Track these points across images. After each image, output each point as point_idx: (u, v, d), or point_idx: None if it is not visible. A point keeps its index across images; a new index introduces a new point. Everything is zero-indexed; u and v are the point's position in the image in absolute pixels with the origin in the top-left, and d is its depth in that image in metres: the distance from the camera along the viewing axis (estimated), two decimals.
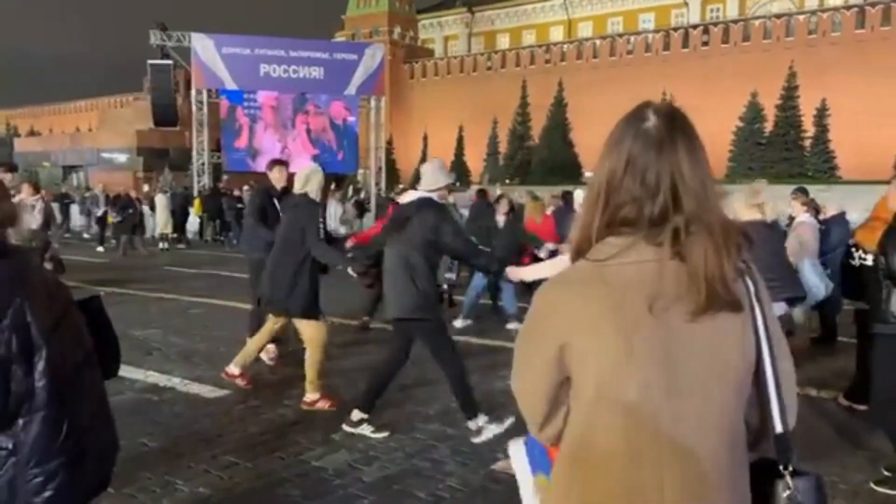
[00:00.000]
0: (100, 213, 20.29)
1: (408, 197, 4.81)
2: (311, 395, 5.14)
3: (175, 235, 21.10)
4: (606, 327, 1.16)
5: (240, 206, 20.50)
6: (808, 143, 39.22)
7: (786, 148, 39.25)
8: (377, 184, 30.75)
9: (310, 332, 5.17)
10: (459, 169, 49.40)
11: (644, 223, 1.19)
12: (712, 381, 1.15)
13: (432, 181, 4.58)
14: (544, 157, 45.06)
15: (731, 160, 40.94)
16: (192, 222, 23.79)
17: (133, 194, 19.07)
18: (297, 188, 5.29)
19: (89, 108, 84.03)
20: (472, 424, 4.52)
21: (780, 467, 1.19)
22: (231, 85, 27.39)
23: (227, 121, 27.86)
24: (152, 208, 21.02)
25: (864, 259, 4.87)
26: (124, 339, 6.58)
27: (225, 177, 27.79)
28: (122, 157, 46.17)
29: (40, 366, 1.60)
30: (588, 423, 1.19)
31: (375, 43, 35.62)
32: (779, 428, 1.20)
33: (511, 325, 8.01)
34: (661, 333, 1.14)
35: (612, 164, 1.24)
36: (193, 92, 28.55)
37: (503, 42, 62.63)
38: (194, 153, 29.26)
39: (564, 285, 1.25)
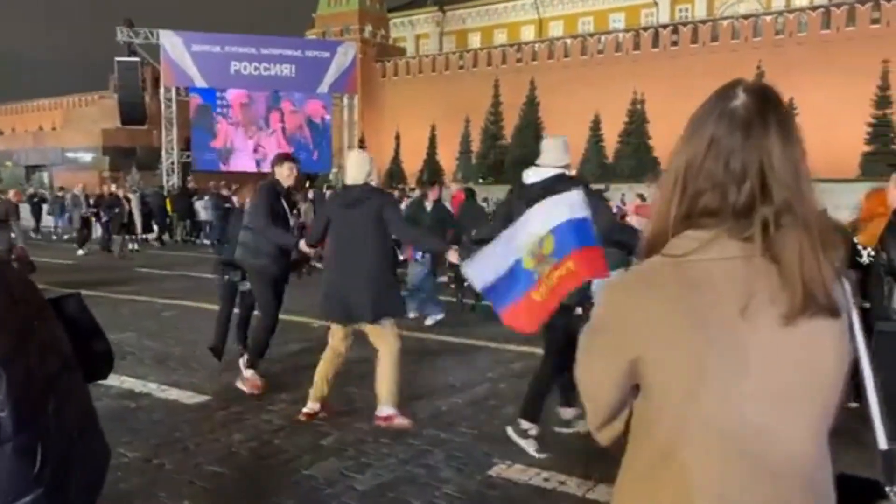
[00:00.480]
0: (83, 213, 19.42)
1: (534, 175, 4.29)
2: (387, 409, 4.60)
3: (157, 236, 20.81)
4: (688, 334, 1.01)
5: (227, 206, 20.03)
6: None
7: None
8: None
9: (392, 337, 4.63)
10: (432, 168, 49.28)
11: (728, 214, 1.05)
12: (806, 392, 1.02)
13: (561, 157, 4.26)
14: (517, 155, 45.04)
15: None
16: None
17: (121, 193, 18.56)
18: (356, 177, 4.65)
19: (53, 106, 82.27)
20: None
21: (886, 488, 1.06)
22: (201, 83, 26.95)
23: (198, 119, 27.42)
24: None
25: (875, 257, 4.82)
26: None
27: (189, 177, 27.35)
28: (87, 157, 45.33)
29: (1, 393, 1.37)
30: (671, 436, 1.04)
31: (347, 41, 35.35)
32: (883, 444, 1.07)
33: None
34: (751, 340, 1.00)
35: (693, 147, 1.09)
36: (162, 90, 28.06)
37: (474, 41, 62.59)
38: (163, 152, 28.76)
39: (636, 286, 1.09)
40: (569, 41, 52.31)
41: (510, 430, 4.24)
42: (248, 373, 5.50)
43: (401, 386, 4.70)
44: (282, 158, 5.85)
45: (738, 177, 1.04)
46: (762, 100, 1.08)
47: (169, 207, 22.83)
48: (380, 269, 4.57)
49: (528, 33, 60.49)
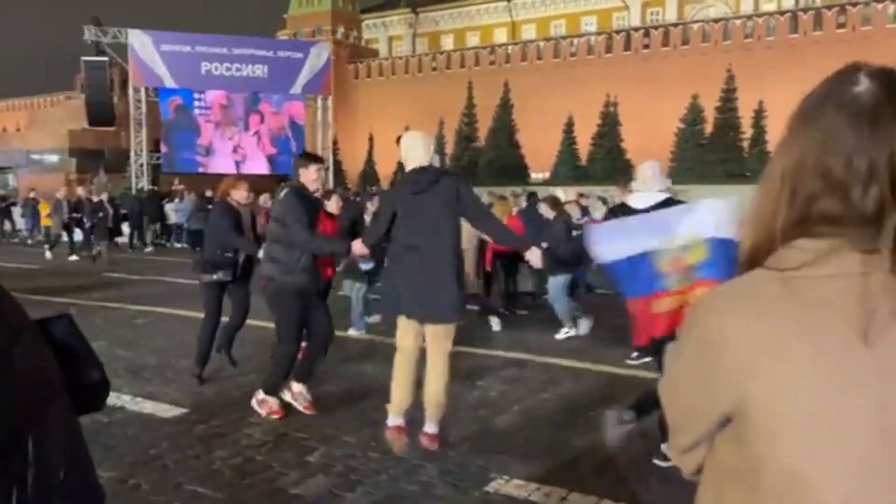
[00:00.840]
0: (65, 218, 18.42)
1: (641, 200, 4.22)
2: (435, 427, 4.20)
3: (138, 241, 20.40)
4: (801, 363, 0.85)
5: (210, 207, 19.61)
6: (746, 144, 40.22)
7: (725, 149, 40.16)
8: (325, 184, 30.17)
9: (450, 341, 4.16)
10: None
11: (851, 221, 0.88)
12: None
13: (662, 179, 4.34)
14: (491, 157, 45.08)
15: (672, 161, 41.69)
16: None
17: (105, 197, 18.11)
18: (422, 158, 4.15)
19: (17, 107, 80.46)
20: None
21: None
22: (171, 83, 26.47)
23: (176, 120, 26.93)
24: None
25: None
26: None
27: (176, 180, 26.85)
28: (53, 158, 44.37)
29: None
30: (777, 484, 0.87)
31: (321, 42, 35.02)
32: None
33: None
34: (874, 370, 0.84)
35: (805, 141, 0.91)
36: (131, 90, 27.50)
37: (447, 43, 62.51)
38: (132, 154, 28.19)
39: (737, 305, 0.91)
40: (542, 44, 52.46)
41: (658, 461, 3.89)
42: (271, 400, 4.92)
43: None
44: (308, 159, 5.10)
45: (863, 177, 0.87)
46: (890, 85, 0.91)
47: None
48: (457, 261, 4.11)
49: (500, 36, 60.57)
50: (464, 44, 60.20)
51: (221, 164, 27.43)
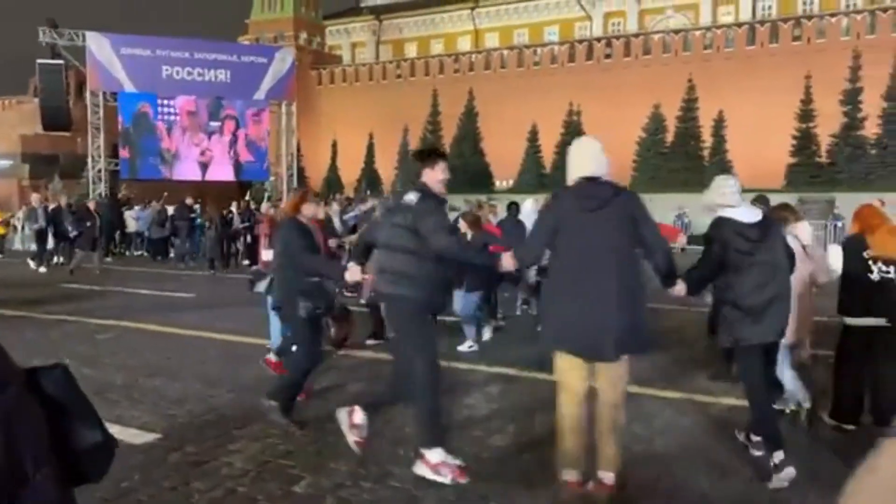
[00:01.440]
0: (37, 227, 17.40)
1: (747, 213, 4.05)
2: (611, 474, 3.61)
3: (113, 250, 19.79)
4: None
5: (192, 215, 19.13)
6: (706, 153, 40.83)
7: (686, 158, 40.72)
8: (290, 191, 29.70)
9: (624, 382, 3.68)
10: (371, 177, 48.68)
11: None
12: None
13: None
14: (456, 165, 44.77)
15: (634, 170, 42.15)
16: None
17: (91, 206, 17.02)
18: (595, 169, 3.64)
19: None
20: None
21: None
22: (130, 87, 25.77)
23: (136, 125, 26.21)
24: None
25: (887, 272, 4.69)
26: None
27: (123, 186, 26.14)
28: (4, 164, 43.06)
29: None
30: None
31: (285, 47, 34.52)
32: None
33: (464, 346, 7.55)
34: None
35: None
36: (88, 94, 26.70)
37: (411, 50, 62.38)
38: (89, 159, 27.35)
39: None
40: (505, 52, 52.65)
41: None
42: (445, 458, 4.02)
43: None
44: (434, 156, 4.25)
45: None
46: None
47: None
48: (633, 290, 3.52)
49: (464, 44, 60.66)
50: (428, 51, 60.13)
51: (185, 170, 26.79)
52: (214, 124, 26.80)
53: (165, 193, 22.04)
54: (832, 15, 44.05)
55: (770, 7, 51.46)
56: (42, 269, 16.18)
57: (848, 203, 28.50)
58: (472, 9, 61.21)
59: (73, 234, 16.14)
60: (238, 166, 27.26)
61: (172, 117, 26.35)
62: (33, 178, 40.81)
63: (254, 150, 27.39)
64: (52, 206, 17.73)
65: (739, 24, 46.89)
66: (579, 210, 3.53)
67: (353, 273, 4.48)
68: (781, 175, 38.43)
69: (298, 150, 36.46)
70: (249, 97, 27.27)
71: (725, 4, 52.91)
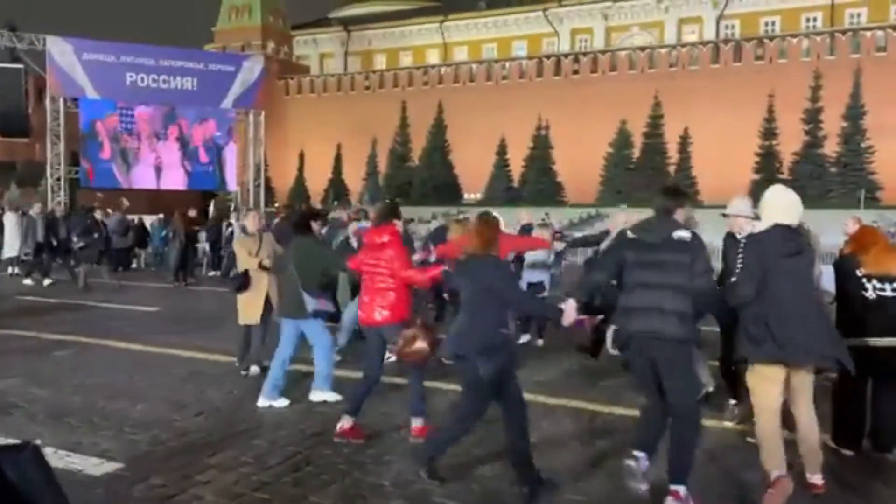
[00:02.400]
0: (40, 239, 15.67)
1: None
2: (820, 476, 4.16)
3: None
4: None
5: (196, 227, 17.84)
6: (672, 168, 41.32)
7: (652, 173, 41.14)
8: (255, 202, 29.23)
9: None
10: (338, 188, 48.28)
11: None
12: None
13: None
14: (425, 177, 44.89)
15: (601, 185, 42.48)
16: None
17: (98, 216, 15.70)
18: (793, 218, 4.05)
19: None
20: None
21: None
22: (92, 94, 25.12)
23: (95, 132, 25.53)
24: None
25: (883, 290, 4.59)
26: None
27: (99, 195, 25.39)
28: None
29: None
30: None
31: (253, 55, 34.06)
32: None
33: None
34: None
35: None
36: (48, 100, 25.94)
37: (380, 62, 62.21)
38: (48, 167, 26.55)
39: None
40: (474, 66, 52.81)
41: None
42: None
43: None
44: (682, 196, 4.28)
45: None
46: None
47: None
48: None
49: (433, 56, 60.69)
50: (396, 63, 60.03)
51: (142, 179, 26.16)
52: (169, 133, 26.25)
53: (126, 202, 21.44)
54: (793, 36, 45.05)
55: (733, 27, 52.44)
56: (47, 281, 14.90)
57: (809, 220, 28.89)
58: (441, 22, 61.35)
59: (78, 245, 14.97)
60: (190, 175, 26.71)
61: (133, 125, 25.75)
62: None
63: (206, 158, 26.87)
64: (52, 215, 16.63)
65: (704, 43, 47.70)
66: (781, 256, 3.92)
67: (569, 313, 4.03)
68: (745, 191, 39.01)
69: (265, 160, 35.97)
70: (216, 106, 26.78)
71: (690, 24, 53.79)
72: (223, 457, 4.52)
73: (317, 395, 5.92)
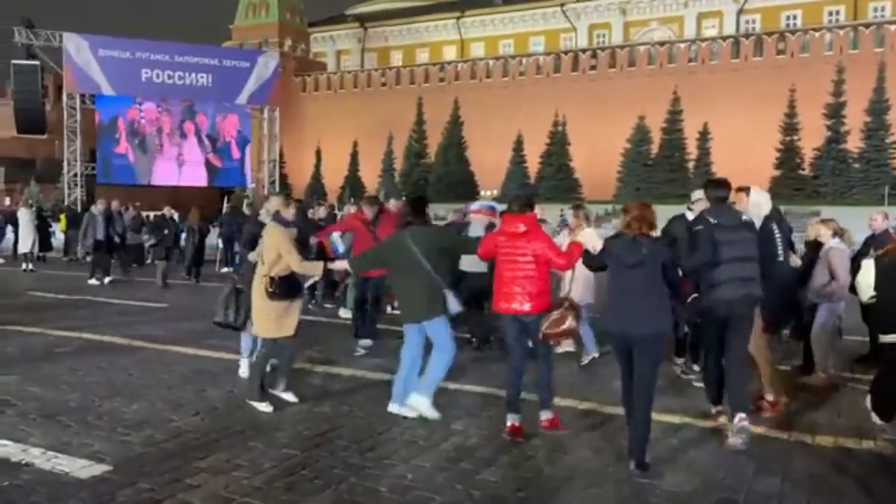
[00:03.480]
0: (100, 237, 14.81)
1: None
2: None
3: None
4: None
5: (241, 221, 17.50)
6: (691, 164, 40.78)
7: (671, 169, 40.65)
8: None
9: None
10: (354, 185, 48.19)
11: None
12: None
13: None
14: (441, 174, 44.67)
15: (619, 181, 42.02)
16: (58, 240, 21.62)
17: (167, 213, 15.61)
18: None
19: None
20: None
21: None
22: (108, 90, 25.18)
23: (112, 129, 25.63)
24: (14, 224, 18.67)
25: None
26: None
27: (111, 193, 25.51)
28: None
29: None
30: None
31: (269, 51, 34.03)
32: None
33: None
34: None
35: None
36: (65, 97, 26.04)
37: (396, 59, 62.09)
38: (66, 164, 26.69)
39: None
40: (491, 62, 52.44)
41: None
42: None
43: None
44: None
45: None
46: None
47: (64, 224, 21.12)
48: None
49: (450, 53, 60.46)
50: (413, 60, 59.85)
51: (161, 175, 26.20)
52: (187, 129, 26.24)
53: (138, 203, 21.49)
54: (816, 30, 44.25)
55: (754, 21, 51.70)
56: (107, 280, 14.45)
57: (832, 216, 28.38)
58: (458, 18, 61.08)
59: (150, 242, 14.86)
60: (211, 171, 26.72)
61: (149, 122, 25.77)
62: (9, 183, 39.98)
63: (226, 154, 26.86)
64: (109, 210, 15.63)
65: (724, 38, 47.00)
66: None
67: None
68: (766, 187, 38.35)
69: (281, 156, 35.94)
70: (231, 101, 26.74)
71: (709, 18, 53.12)
72: (216, 459, 4.34)
73: (414, 401, 5.15)
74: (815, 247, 7.07)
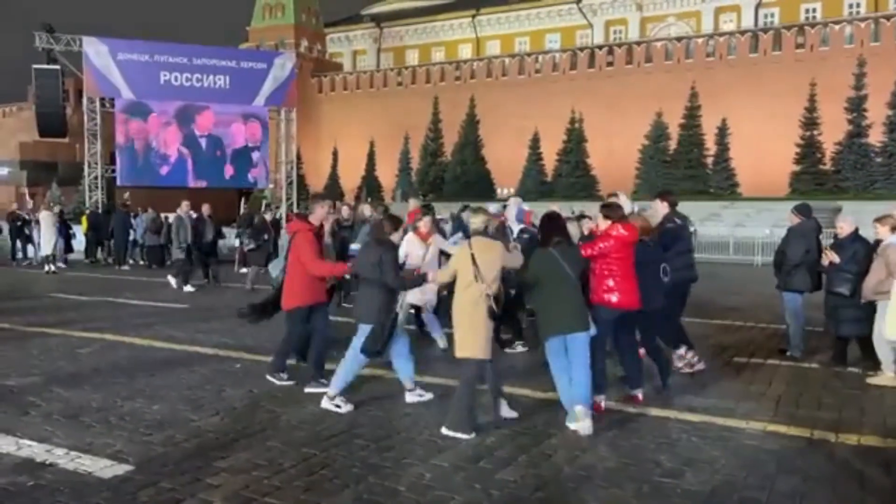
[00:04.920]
0: (185, 242, 14.16)
1: None
2: None
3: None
4: None
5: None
6: (710, 161, 40.44)
7: (689, 166, 40.32)
8: (288, 199, 29.32)
9: None
10: (371, 184, 48.32)
11: None
12: None
13: None
14: (457, 173, 44.65)
15: (637, 178, 41.76)
16: (79, 242, 21.85)
17: (268, 217, 15.34)
18: None
19: None
20: None
21: None
22: (128, 94, 25.38)
23: (131, 132, 25.87)
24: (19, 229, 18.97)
25: None
26: None
27: (126, 193, 25.68)
28: (2, 171, 42.89)
29: None
30: None
31: (286, 52, 34.15)
32: None
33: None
34: None
35: None
36: (85, 100, 26.31)
37: (412, 58, 62.15)
38: (86, 166, 26.98)
39: None
40: (507, 60, 52.33)
41: None
42: None
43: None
44: None
45: None
46: None
47: (86, 226, 21.34)
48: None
49: (465, 52, 60.43)
50: (429, 59, 59.88)
51: (178, 177, 26.40)
52: (205, 130, 26.39)
53: (128, 199, 21.58)
54: (836, 22, 43.68)
55: (773, 15, 51.16)
56: (189, 288, 13.67)
57: (852, 212, 28.07)
58: (473, 17, 61.02)
59: (248, 247, 14.29)
60: (229, 172, 26.88)
61: (167, 123, 25.96)
62: (31, 186, 40.51)
63: (244, 156, 26.99)
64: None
65: (742, 32, 46.54)
66: None
67: None
68: (785, 183, 38.01)
69: (299, 157, 36.10)
70: (248, 103, 26.87)
71: (727, 12, 52.65)
72: (236, 459, 4.37)
73: (580, 415, 4.92)
74: (840, 243, 7.07)
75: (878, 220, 6.86)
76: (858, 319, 6.85)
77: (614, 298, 5.46)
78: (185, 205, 14.50)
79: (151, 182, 26.49)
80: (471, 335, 4.95)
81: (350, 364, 5.54)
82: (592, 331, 5.19)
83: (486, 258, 4.98)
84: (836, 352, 7.20)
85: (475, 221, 5.33)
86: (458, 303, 5.05)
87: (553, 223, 5.39)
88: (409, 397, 5.70)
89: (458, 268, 5.07)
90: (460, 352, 5.00)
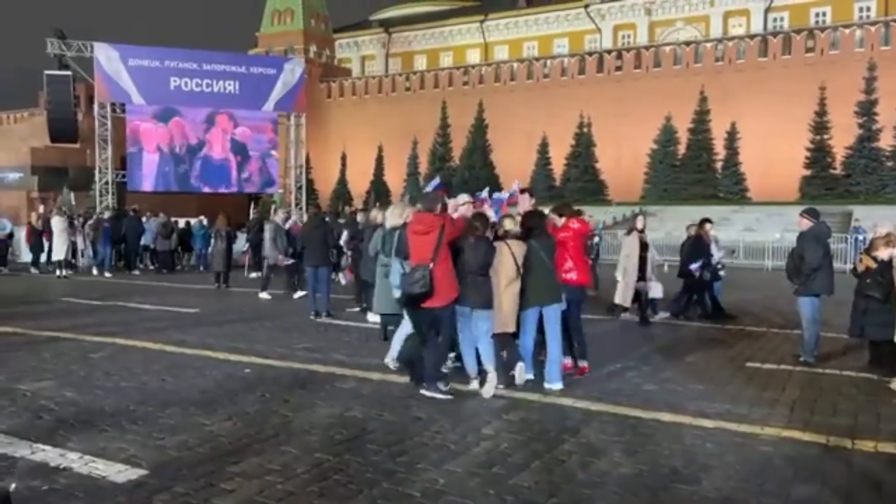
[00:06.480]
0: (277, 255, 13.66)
1: None
2: None
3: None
4: None
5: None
6: (719, 165, 40.33)
7: (698, 170, 40.23)
8: (297, 203, 29.41)
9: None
10: (380, 189, 48.40)
11: None
12: None
13: None
14: (466, 177, 44.64)
15: (646, 182, 41.68)
16: (89, 246, 21.94)
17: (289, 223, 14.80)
18: None
19: None
20: None
21: None
22: (138, 99, 25.57)
23: (140, 137, 26.04)
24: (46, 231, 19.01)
25: None
26: (6, 395, 5.09)
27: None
28: (14, 176, 43.11)
29: None
30: None
31: (295, 58, 34.29)
32: None
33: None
34: None
35: None
36: (96, 106, 26.51)
37: (420, 63, 62.26)
38: (97, 171, 27.15)
39: None
40: (515, 65, 52.35)
41: None
42: None
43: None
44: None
45: None
46: None
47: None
48: None
49: (473, 56, 60.48)
50: (437, 64, 59.98)
51: (188, 182, 26.53)
52: (215, 136, 26.52)
53: (136, 207, 21.62)
54: (846, 26, 43.49)
55: (782, 19, 51.00)
56: (265, 296, 13.34)
57: (863, 216, 27.96)
58: (482, 22, 61.11)
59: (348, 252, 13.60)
60: (238, 178, 27.00)
61: (177, 129, 26.11)
62: (42, 191, 40.73)
63: (254, 161, 27.11)
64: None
65: (751, 36, 46.40)
66: None
67: None
68: (795, 187, 37.86)
69: (308, 162, 36.22)
70: (258, 108, 27.00)
71: (736, 16, 52.51)
72: (249, 464, 4.37)
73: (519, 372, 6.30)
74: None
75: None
76: (886, 324, 6.89)
77: (574, 276, 6.68)
78: (281, 213, 14.54)
79: (161, 187, 26.65)
80: (509, 313, 6.24)
81: (486, 348, 6.05)
82: (563, 305, 6.44)
83: (520, 254, 6.29)
84: (873, 356, 7.30)
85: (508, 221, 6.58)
86: (508, 294, 6.21)
87: (533, 218, 6.60)
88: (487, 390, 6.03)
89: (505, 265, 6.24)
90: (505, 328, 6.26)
